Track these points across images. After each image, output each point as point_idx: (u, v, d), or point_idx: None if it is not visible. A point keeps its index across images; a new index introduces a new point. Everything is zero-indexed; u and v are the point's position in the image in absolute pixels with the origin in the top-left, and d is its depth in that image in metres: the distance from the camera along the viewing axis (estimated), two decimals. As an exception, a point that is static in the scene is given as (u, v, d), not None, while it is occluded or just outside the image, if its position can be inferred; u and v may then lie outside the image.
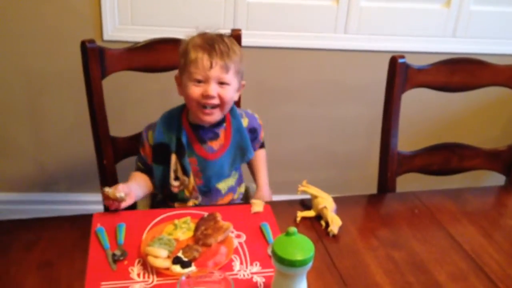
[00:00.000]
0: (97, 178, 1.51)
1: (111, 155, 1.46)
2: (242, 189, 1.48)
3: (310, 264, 0.94)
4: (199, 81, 1.24)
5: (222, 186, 1.39)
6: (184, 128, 1.33)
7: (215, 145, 1.34)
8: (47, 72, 2.01)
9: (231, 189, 1.41)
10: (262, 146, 1.51)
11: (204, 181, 1.36)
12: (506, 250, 1.19)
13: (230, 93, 1.27)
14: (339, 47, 2.07)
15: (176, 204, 1.37)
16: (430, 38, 2.09)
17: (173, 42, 1.42)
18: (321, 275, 1.07)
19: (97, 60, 1.37)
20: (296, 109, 2.19)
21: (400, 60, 1.40)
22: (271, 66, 2.10)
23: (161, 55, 1.46)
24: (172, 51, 1.43)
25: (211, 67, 1.22)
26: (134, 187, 1.29)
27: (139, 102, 2.05)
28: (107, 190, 1.21)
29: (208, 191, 1.37)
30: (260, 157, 1.51)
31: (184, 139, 1.32)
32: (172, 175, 1.33)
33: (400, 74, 1.40)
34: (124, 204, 1.22)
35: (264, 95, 2.15)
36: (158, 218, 1.22)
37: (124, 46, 1.44)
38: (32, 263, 1.06)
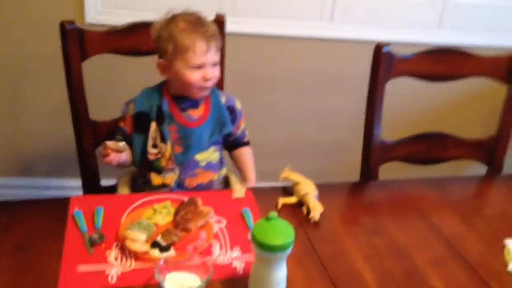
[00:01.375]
0: (77, 163, 1.48)
1: (91, 139, 1.44)
2: (223, 171, 1.47)
3: (290, 249, 0.93)
4: (195, 67, 1.27)
5: (201, 157, 1.38)
6: (165, 97, 1.34)
7: (195, 114, 1.35)
8: (27, 55, 1.97)
9: (211, 166, 1.40)
10: (247, 143, 1.50)
11: (184, 149, 1.35)
12: (486, 237, 1.20)
13: (218, 71, 1.32)
14: (324, 36, 2.07)
15: (152, 175, 1.36)
16: (416, 29, 2.09)
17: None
18: (302, 261, 1.07)
19: (76, 42, 1.34)
20: (280, 98, 2.18)
21: (385, 49, 1.39)
22: (256, 54, 2.09)
23: (143, 39, 1.42)
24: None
25: (207, 51, 1.26)
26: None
27: (120, 86, 2.00)
28: (108, 142, 1.21)
29: (186, 161, 1.36)
30: (248, 154, 1.50)
31: (164, 108, 1.33)
32: (150, 142, 1.33)
33: (384, 62, 1.40)
34: (123, 157, 1.24)
35: (249, 84, 2.13)
36: (138, 203, 1.20)
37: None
38: (7, 246, 1.04)
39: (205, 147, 1.38)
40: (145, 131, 1.34)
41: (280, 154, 2.25)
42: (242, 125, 1.47)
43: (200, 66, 1.27)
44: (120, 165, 1.32)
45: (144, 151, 1.34)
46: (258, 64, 2.11)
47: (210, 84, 1.30)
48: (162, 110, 1.33)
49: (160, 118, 1.33)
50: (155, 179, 1.36)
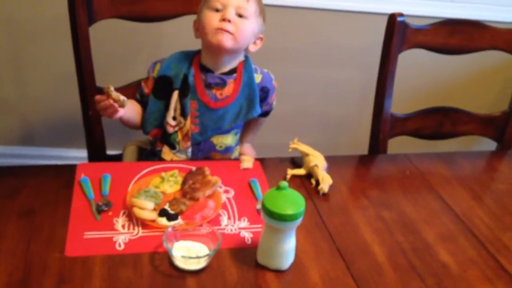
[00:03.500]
0: (82, 134, 1.46)
1: (97, 106, 1.41)
2: (237, 151, 1.43)
3: (300, 219, 0.92)
4: (217, 10, 1.20)
5: (218, 141, 1.33)
6: (193, 68, 1.27)
7: (219, 94, 1.28)
8: (31, 20, 1.93)
9: (229, 149, 1.35)
10: (268, 114, 1.43)
11: (201, 129, 1.30)
12: (496, 213, 1.19)
13: (248, 28, 1.22)
14: (335, 7, 2.02)
15: (165, 148, 1.31)
16: (428, 2, 2.05)
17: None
18: (310, 232, 1.06)
19: (83, 5, 1.30)
20: (288, 70, 2.14)
21: (399, 19, 1.36)
22: (265, 24, 2.04)
23: (150, 5, 1.39)
24: (162, 1, 1.38)
25: None
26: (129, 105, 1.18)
27: (127, 53, 1.98)
28: (112, 88, 1.07)
29: (202, 142, 1.32)
30: (259, 122, 1.45)
31: (190, 79, 1.26)
32: (171, 112, 1.27)
33: (398, 33, 1.36)
34: (120, 113, 1.13)
35: (256, 55, 2.08)
36: (145, 171, 1.19)
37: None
38: (14, 210, 1.03)
39: (224, 130, 1.31)
40: (164, 97, 1.27)
41: (287, 127, 2.22)
42: (272, 101, 1.39)
43: (222, 8, 1.19)
44: (122, 121, 1.23)
45: (158, 118, 1.29)
46: (266, 36, 2.07)
47: (228, 28, 1.18)
48: (187, 81, 1.26)
49: (184, 90, 1.26)
50: (167, 153, 1.31)
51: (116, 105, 1.10)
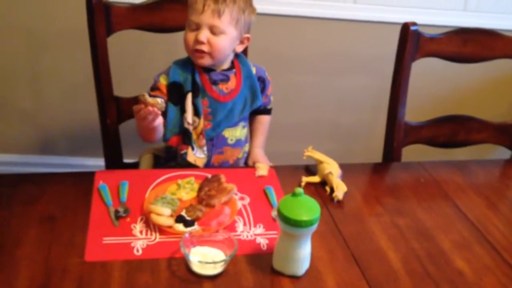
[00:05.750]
0: (99, 143, 1.49)
1: (115, 115, 1.44)
2: (246, 148, 1.46)
3: (316, 225, 0.93)
4: (193, 28, 1.24)
5: (229, 134, 1.37)
6: (197, 69, 1.32)
7: (225, 88, 1.33)
8: (49, 31, 1.97)
9: (239, 143, 1.39)
10: (269, 112, 1.49)
11: (213, 125, 1.33)
12: (511, 220, 1.18)
13: (223, 42, 1.25)
14: (347, 17, 2.04)
15: (188, 151, 1.33)
16: (441, 11, 2.05)
17: (181, 2, 1.39)
18: (325, 239, 1.07)
19: (102, 16, 1.34)
20: (302, 79, 2.17)
21: (412, 28, 1.37)
22: (279, 34, 2.07)
23: (167, 15, 1.43)
24: (179, 11, 1.40)
25: (203, 10, 1.21)
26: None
27: (144, 63, 2.02)
28: (146, 95, 1.08)
29: (215, 137, 1.35)
30: (263, 121, 1.49)
31: (197, 80, 1.31)
32: (190, 112, 1.31)
33: (411, 41, 1.37)
34: (160, 119, 1.15)
35: (271, 64, 2.08)
36: (162, 178, 1.21)
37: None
38: (34, 216, 1.05)
39: (235, 122, 1.36)
40: (178, 102, 1.31)
41: (301, 135, 2.24)
42: (269, 93, 1.45)
43: (197, 28, 1.23)
44: (153, 129, 1.22)
45: (176, 124, 1.32)
46: (280, 45, 2.09)
47: (203, 48, 1.23)
48: (196, 82, 1.31)
49: (195, 91, 1.31)
50: (190, 155, 1.33)
51: (155, 109, 1.11)
